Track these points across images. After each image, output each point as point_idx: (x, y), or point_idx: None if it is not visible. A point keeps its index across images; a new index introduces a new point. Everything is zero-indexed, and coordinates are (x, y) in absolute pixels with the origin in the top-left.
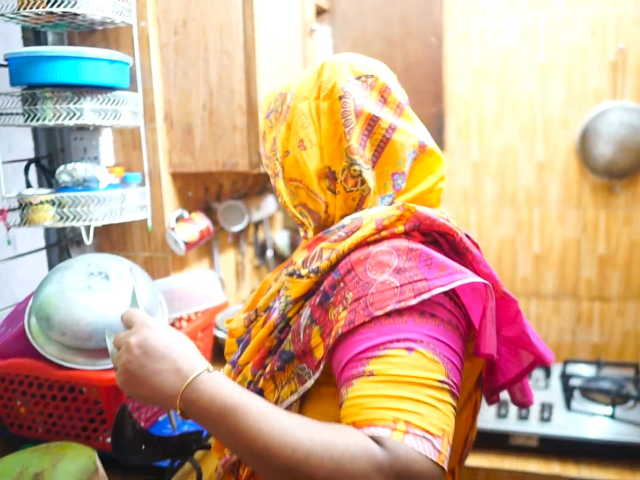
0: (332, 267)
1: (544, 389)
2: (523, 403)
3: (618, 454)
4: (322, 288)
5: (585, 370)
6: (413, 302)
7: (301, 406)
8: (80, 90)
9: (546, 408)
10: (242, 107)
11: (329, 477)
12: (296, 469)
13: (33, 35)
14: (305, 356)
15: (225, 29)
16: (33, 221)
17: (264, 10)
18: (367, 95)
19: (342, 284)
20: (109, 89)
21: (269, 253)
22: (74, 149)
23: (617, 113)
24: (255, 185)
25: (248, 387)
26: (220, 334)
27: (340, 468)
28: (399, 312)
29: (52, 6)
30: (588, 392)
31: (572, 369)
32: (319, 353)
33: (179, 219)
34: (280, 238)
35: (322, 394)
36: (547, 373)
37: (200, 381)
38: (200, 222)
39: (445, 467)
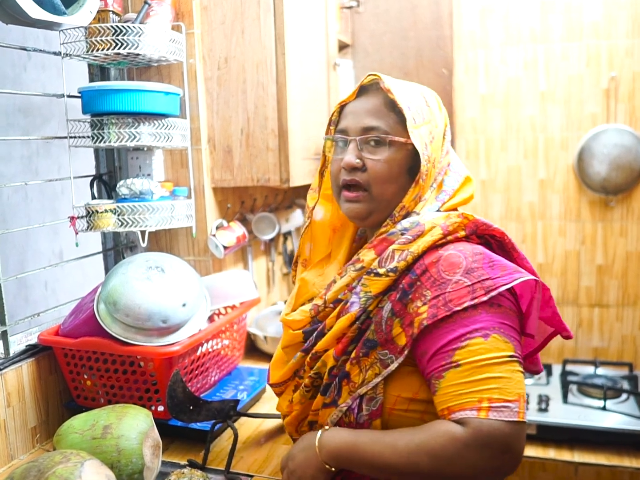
0: (408, 267)
1: (545, 385)
2: (535, 371)
3: (608, 440)
4: (400, 286)
5: (583, 369)
6: (485, 298)
7: (385, 384)
8: (140, 117)
9: (544, 400)
10: (274, 131)
11: (433, 468)
12: (409, 470)
13: (99, 71)
14: (387, 344)
15: (261, 65)
16: (98, 226)
17: (293, 48)
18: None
19: (418, 283)
20: (163, 116)
21: None
22: (130, 166)
23: (610, 135)
24: (284, 201)
25: (330, 372)
26: (253, 330)
27: (437, 457)
28: (473, 307)
29: (119, 48)
30: (584, 387)
31: (571, 367)
32: (402, 341)
33: (218, 227)
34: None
35: (402, 373)
36: (549, 371)
37: (323, 437)
38: (237, 230)
39: (525, 420)
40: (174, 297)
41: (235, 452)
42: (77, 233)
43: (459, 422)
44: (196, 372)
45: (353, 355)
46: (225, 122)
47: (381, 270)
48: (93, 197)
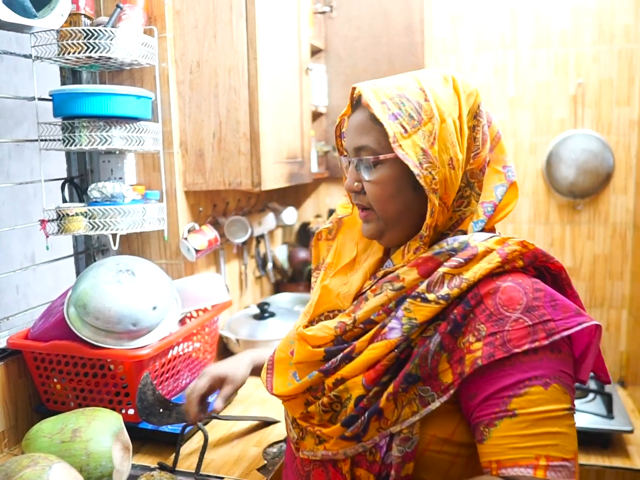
0: (461, 295)
1: None
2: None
3: None
4: (452, 317)
5: None
6: (546, 342)
7: (421, 422)
8: (111, 120)
9: None
10: (246, 135)
11: None
12: None
13: (70, 74)
14: (430, 380)
15: (233, 69)
16: (69, 230)
17: (265, 53)
18: (485, 124)
19: (472, 315)
20: (135, 119)
21: (269, 265)
22: (102, 170)
23: (578, 140)
24: (257, 204)
25: (358, 403)
26: (225, 333)
27: None
28: (534, 350)
29: (91, 52)
30: None
31: None
32: (448, 378)
33: (190, 230)
34: (279, 252)
35: (440, 411)
36: None
37: None
38: (209, 233)
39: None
40: (145, 300)
41: (205, 454)
42: (47, 236)
43: (510, 479)
44: (167, 375)
45: (391, 389)
46: (197, 126)
47: (430, 297)
48: (64, 201)
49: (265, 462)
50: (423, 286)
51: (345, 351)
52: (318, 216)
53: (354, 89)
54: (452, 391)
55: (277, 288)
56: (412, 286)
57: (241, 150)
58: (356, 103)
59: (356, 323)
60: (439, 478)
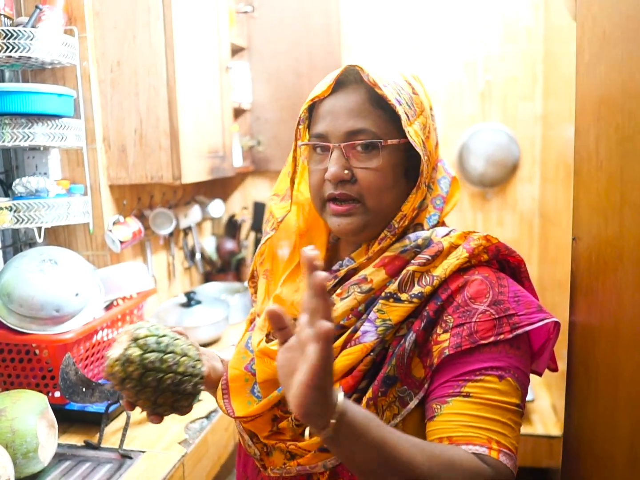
0: (432, 292)
1: None
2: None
3: None
4: (425, 313)
5: None
6: (510, 336)
7: (403, 427)
8: (33, 117)
9: None
10: (166, 131)
11: None
12: (420, 473)
13: None
14: (406, 378)
15: (152, 69)
16: None
17: (183, 53)
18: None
19: (442, 309)
20: (57, 117)
21: (197, 256)
22: (27, 165)
23: (486, 133)
24: (184, 197)
25: None
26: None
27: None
28: (495, 343)
29: (11, 51)
30: None
31: None
32: (420, 373)
33: (115, 222)
34: (207, 243)
35: (420, 415)
36: None
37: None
38: (133, 225)
39: None
40: (67, 287)
41: (129, 431)
42: None
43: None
44: (92, 358)
45: (370, 394)
46: (119, 123)
47: (403, 296)
48: None
49: (187, 436)
50: (394, 286)
51: None
52: (245, 208)
53: (344, 69)
54: (426, 385)
55: (207, 278)
56: (381, 287)
57: (162, 146)
58: (339, 84)
59: None
60: None
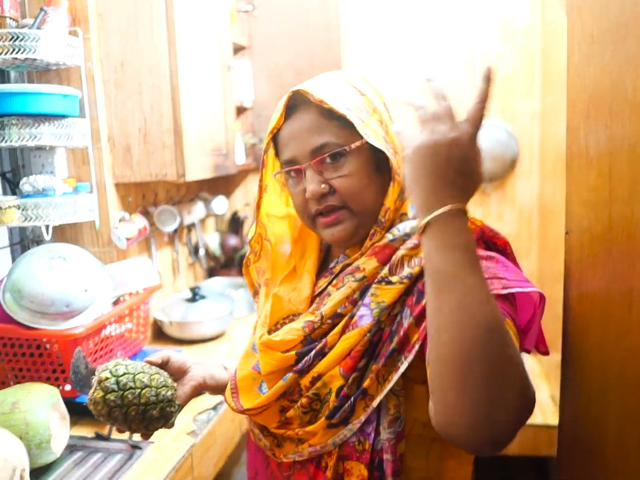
0: (421, 271)
1: None
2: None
3: None
4: (415, 289)
5: None
6: (503, 292)
7: (407, 408)
8: (40, 118)
9: None
10: (169, 130)
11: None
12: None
13: None
14: (404, 346)
15: (155, 68)
16: (2, 222)
17: (185, 53)
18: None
19: None
20: (63, 117)
21: (201, 252)
22: (33, 165)
23: (485, 130)
24: (187, 194)
25: (339, 392)
26: (158, 316)
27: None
28: None
29: (17, 53)
30: None
31: None
32: (414, 337)
33: (121, 219)
34: (211, 239)
35: (421, 393)
36: None
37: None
38: (138, 222)
39: None
40: (76, 283)
41: None
42: None
43: None
44: (101, 352)
45: (373, 368)
46: (123, 122)
47: (394, 279)
48: None
49: (195, 427)
50: (385, 271)
51: (317, 348)
52: (247, 204)
53: (290, 95)
54: (417, 346)
55: (211, 273)
56: (374, 274)
57: (166, 144)
58: (290, 109)
59: (324, 319)
60: (421, 460)
